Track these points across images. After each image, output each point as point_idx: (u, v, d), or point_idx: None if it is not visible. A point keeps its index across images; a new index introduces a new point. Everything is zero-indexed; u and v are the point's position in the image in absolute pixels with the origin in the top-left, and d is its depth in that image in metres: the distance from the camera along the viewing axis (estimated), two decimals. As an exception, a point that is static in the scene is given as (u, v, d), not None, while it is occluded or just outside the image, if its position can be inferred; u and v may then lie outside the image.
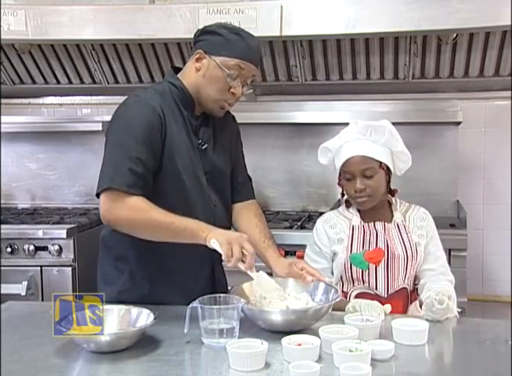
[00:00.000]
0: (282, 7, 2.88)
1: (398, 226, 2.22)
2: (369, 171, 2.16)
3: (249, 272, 1.83)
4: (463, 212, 3.28)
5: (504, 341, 1.74)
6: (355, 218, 2.25)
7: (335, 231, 2.24)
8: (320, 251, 2.26)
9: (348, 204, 2.28)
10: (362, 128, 2.19)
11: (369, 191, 2.17)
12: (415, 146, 3.48)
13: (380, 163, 2.17)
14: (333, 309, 2.10)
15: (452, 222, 3.26)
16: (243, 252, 1.82)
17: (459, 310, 2.02)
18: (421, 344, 1.72)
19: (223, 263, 1.90)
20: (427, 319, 1.85)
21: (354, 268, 2.18)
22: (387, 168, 2.20)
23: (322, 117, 3.54)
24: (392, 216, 2.25)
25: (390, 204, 2.29)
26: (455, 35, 3.15)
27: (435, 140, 3.52)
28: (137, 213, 1.89)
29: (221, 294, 1.79)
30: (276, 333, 1.73)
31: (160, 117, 1.96)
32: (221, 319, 1.70)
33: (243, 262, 1.82)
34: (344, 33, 2.95)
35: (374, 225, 2.22)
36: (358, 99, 3.61)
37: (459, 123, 3.46)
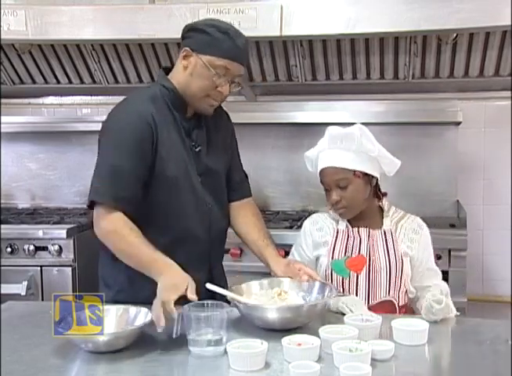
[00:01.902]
0: (282, 7, 2.88)
1: (385, 234, 2.16)
2: (342, 182, 2.11)
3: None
4: (463, 212, 3.27)
5: (504, 341, 1.74)
6: (341, 223, 2.21)
7: (321, 234, 2.22)
8: (303, 252, 2.26)
9: None
10: (333, 137, 2.14)
11: (345, 202, 2.12)
12: (415, 146, 3.52)
13: (355, 171, 2.11)
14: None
15: (452, 222, 3.25)
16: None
17: (458, 313, 1.98)
18: (421, 344, 1.72)
19: None
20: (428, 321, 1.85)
21: (334, 275, 2.13)
22: (366, 174, 2.13)
23: (322, 117, 3.53)
24: (382, 223, 2.20)
25: (382, 210, 2.23)
26: (455, 35, 3.15)
27: (435, 140, 3.52)
28: (112, 236, 1.94)
29: (209, 301, 1.75)
30: (275, 332, 1.73)
31: (150, 127, 1.96)
32: (208, 329, 1.67)
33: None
34: (344, 33, 2.95)
35: (358, 231, 2.17)
36: (358, 99, 3.61)
37: (459, 123, 3.46)
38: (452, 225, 3.18)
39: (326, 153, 2.16)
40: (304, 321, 1.82)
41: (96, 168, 1.97)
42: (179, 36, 3.07)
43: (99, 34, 3.10)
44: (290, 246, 2.98)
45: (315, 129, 3.65)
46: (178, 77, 2.02)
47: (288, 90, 3.66)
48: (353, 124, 3.43)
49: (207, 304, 1.75)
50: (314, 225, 2.26)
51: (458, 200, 3.51)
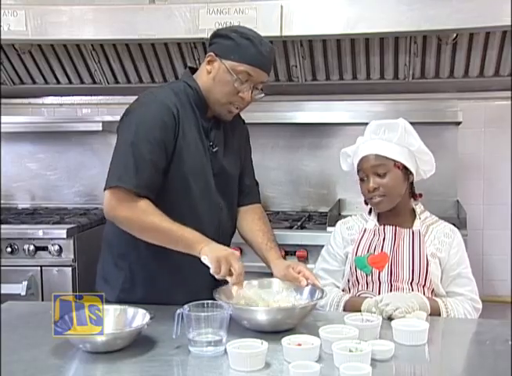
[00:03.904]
0: (282, 7, 2.88)
1: (412, 234, 2.15)
2: (381, 169, 2.11)
3: (233, 289, 1.85)
4: (463, 212, 3.27)
5: (504, 341, 1.74)
6: (370, 222, 2.22)
7: (350, 232, 2.24)
8: (333, 251, 2.26)
9: (370, 211, 2.26)
10: (376, 127, 2.16)
11: (383, 190, 2.12)
12: (415, 146, 3.51)
13: (395, 162, 2.12)
14: (345, 310, 2.09)
15: (452, 222, 3.21)
16: (231, 270, 1.82)
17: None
18: (421, 344, 1.72)
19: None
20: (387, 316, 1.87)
21: (358, 271, 2.14)
22: (405, 168, 2.14)
23: (322, 117, 3.54)
24: (412, 224, 2.19)
25: (415, 213, 2.23)
26: (455, 35, 3.15)
27: (435, 140, 3.51)
28: (139, 215, 1.90)
29: (209, 301, 1.76)
30: (276, 332, 1.72)
31: (174, 117, 1.97)
32: (208, 329, 1.67)
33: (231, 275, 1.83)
34: (344, 33, 2.95)
35: (384, 229, 2.17)
36: (358, 99, 3.60)
37: (459, 123, 3.46)
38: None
39: (367, 144, 2.17)
40: (294, 323, 1.81)
41: (117, 154, 1.96)
42: (179, 36, 3.08)
43: (99, 34, 3.11)
44: (290, 246, 2.99)
45: (315, 129, 3.68)
46: (202, 80, 2.05)
47: (288, 90, 3.66)
48: (353, 124, 3.46)
49: (207, 304, 1.74)
50: (345, 224, 2.29)
51: (458, 200, 3.50)
